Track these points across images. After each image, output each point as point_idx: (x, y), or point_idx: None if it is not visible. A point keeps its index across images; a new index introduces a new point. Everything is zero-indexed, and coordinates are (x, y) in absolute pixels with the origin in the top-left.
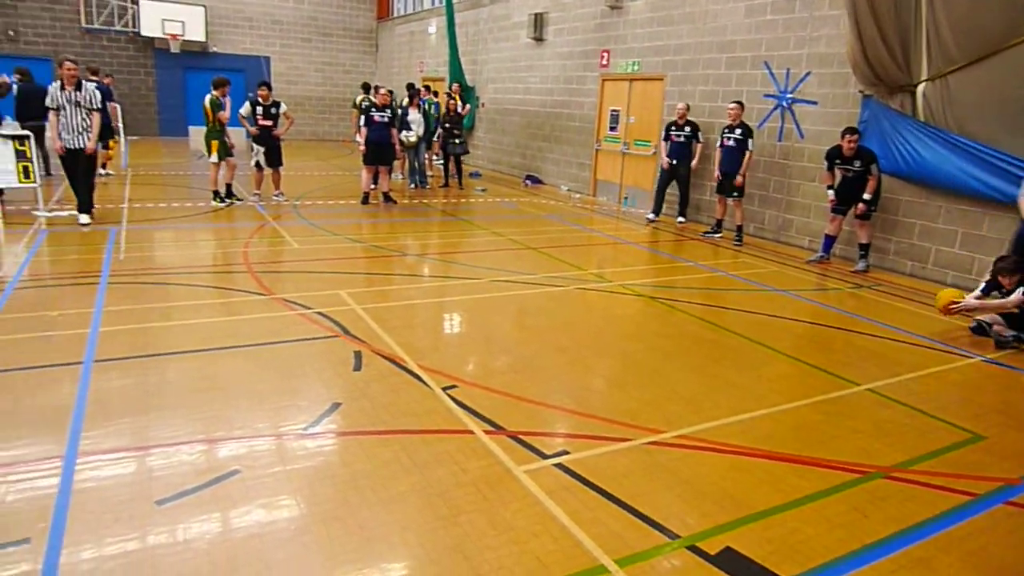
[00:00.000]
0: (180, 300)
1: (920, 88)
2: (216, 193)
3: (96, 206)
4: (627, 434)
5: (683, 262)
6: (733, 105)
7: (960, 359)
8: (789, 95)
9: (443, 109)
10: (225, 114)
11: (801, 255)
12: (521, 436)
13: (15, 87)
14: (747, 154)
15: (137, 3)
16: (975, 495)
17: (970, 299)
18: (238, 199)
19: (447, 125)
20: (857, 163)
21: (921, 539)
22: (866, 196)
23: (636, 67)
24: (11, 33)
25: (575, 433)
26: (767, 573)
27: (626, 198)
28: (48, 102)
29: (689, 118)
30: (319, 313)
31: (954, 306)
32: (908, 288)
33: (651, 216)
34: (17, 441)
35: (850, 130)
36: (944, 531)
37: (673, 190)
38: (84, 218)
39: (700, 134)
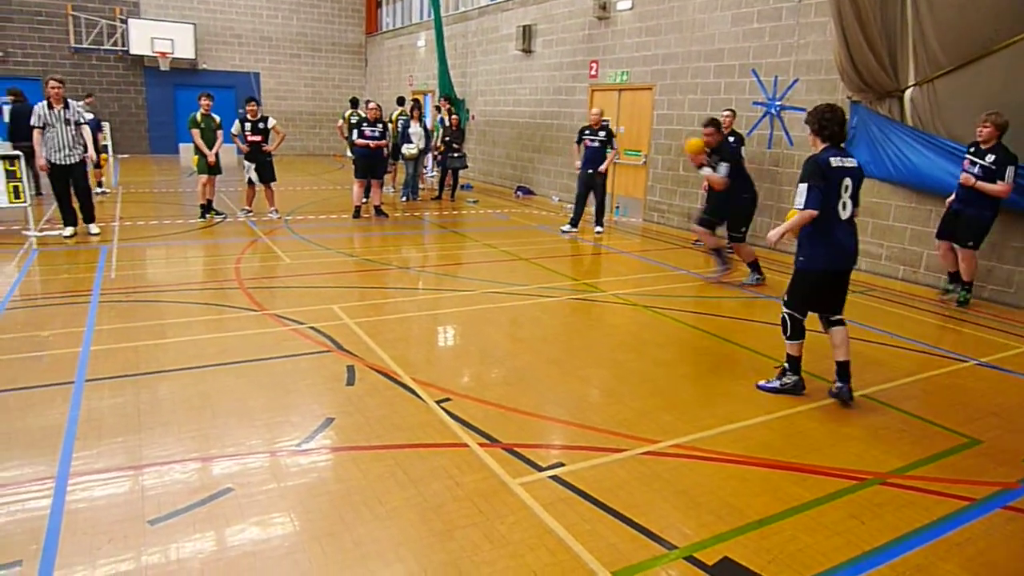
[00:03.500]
0: (172, 317)
1: (908, 93)
2: (204, 207)
3: (92, 224)
4: (622, 444)
5: (675, 270)
6: (726, 113)
7: (953, 363)
8: (778, 102)
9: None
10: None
11: (791, 260)
12: (516, 448)
13: (7, 108)
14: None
15: (126, 22)
16: (973, 500)
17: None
18: (217, 214)
19: (447, 139)
20: None
21: (919, 545)
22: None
23: (625, 77)
24: (1, 54)
25: (570, 444)
26: None
27: (617, 207)
28: (34, 121)
29: (604, 122)
30: (311, 328)
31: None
32: (901, 293)
33: (566, 228)
34: (8, 463)
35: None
36: (942, 537)
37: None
38: (94, 227)
39: (615, 140)
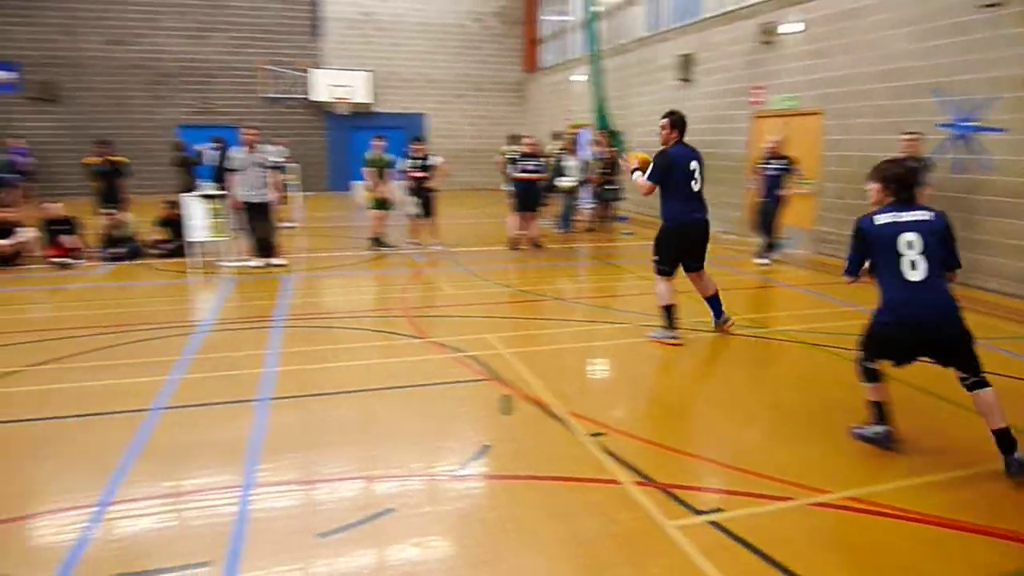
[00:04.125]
0: (344, 343)
1: None
2: (374, 240)
3: (276, 257)
4: (787, 492)
5: (847, 306)
6: (909, 136)
7: None
8: (968, 124)
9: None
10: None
11: (990, 299)
12: (671, 489)
13: (214, 153)
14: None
15: (308, 72)
16: None
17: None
18: (386, 246)
19: (604, 171)
20: None
21: None
22: None
23: (792, 103)
24: (207, 106)
25: (730, 489)
26: None
27: (785, 238)
28: (229, 164)
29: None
30: (470, 357)
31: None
32: None
33: (760, 261)
34: (203, 470)
35: None
36: None
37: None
38: (278, 260)
39: (793, 167)
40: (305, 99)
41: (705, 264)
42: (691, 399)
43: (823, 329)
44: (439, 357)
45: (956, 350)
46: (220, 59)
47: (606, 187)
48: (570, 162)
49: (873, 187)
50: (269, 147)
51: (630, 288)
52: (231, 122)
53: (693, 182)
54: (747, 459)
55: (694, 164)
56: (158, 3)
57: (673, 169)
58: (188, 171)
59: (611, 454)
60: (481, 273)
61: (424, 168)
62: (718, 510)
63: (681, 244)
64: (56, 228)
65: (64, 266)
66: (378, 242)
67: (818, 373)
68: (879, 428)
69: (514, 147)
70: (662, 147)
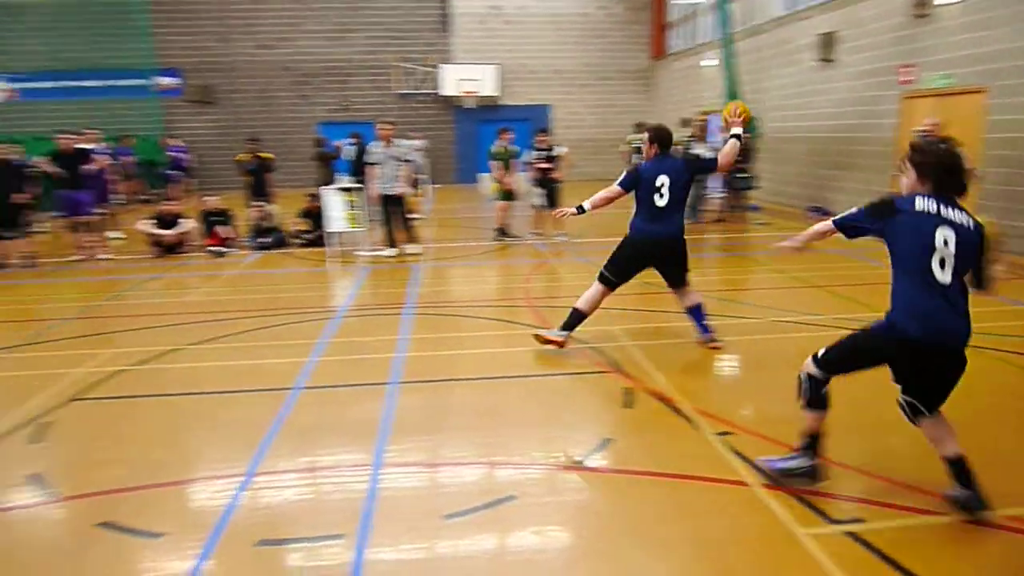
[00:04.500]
0: (469, 331)
1: None
2: (499, 231)
3: (412, 244)
4: (937, 506)
5: (1013, 304)
6: None
7: None
8: None
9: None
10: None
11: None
12: (804, 495)
13: (353, 148)
14: None
15: (439, 68)
16: None
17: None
18: (510, 237)
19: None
20: None
21: None
22: None
23: (949, 81)
24: (345, 104)
25: (871, 499)
26: None
27: None
28: (368, 158)
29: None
30: (592, 348)
31: None
32: None
33: None
34: (338, 447)
35: None
36: None
37: None
38: (412, 248)
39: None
40: (435, 94)
41: (688, 279)
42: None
43: (978, 329)
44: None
45: (951, 383)
46: (357, 59)
47: (737, 175)
48: (700, 150)
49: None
50: (405, 141)
51: (761, 282)
52: (367, 118)
53: (658, 196)
54: (889, 467)
55: (662, 179)
56: (302, 8)
57: (639, 183)
58: (327, 166)
59: (739, 454)
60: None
61: (549, 159)
62: (857, 520)
63: (635, 258)
64: (213, 219)
65: (219, 254)
66: (503, 232)
67: (976, 378)
68: (807, 461)
69: (639, 135)
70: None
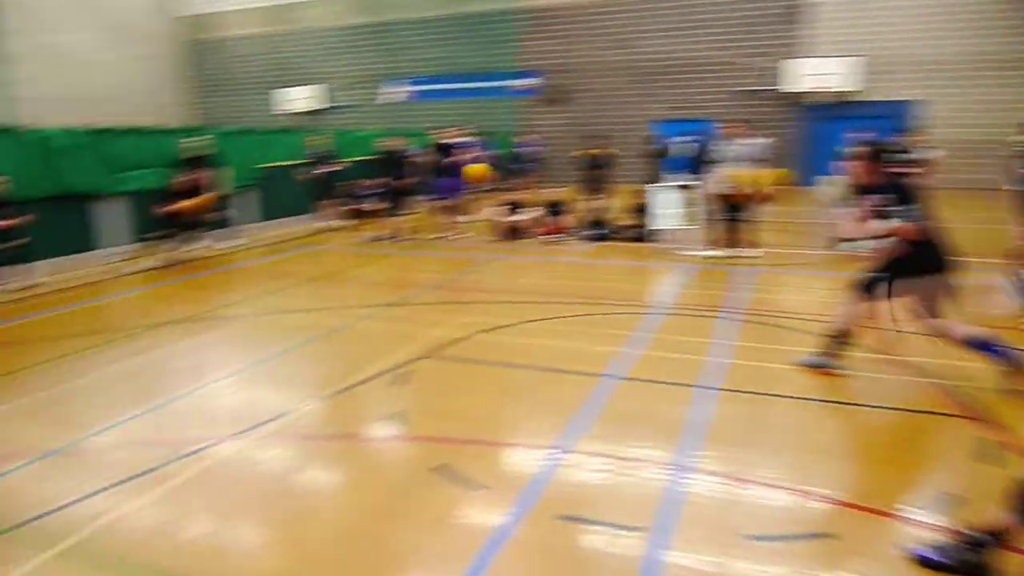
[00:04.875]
0: (796, 345)
1: None
2: (841, 240)
3: (750, 248)
4: None
5: None
6: None
7: None
8: None
9: None
10: None
11: None
12: None
13: (692, 146)
14: None
15: (783, 62)
16: None
17: None
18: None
19: None
20: None
21: None
22: None
23: None
24: (681, 100)
25: None
26: None
27: None
28: (710, 156)
29: None
30: (944, 384)
31: None
32: None
33: None
34: (645, 441)
35: None
36: None
37: None
38: (751, 251)
39: None
40: (777, 90)
41: None
42: None
43: None
44: (902, 378)
45: None
46: (697, 55)
47: None
48: None
49: None
50: (751, 139)
51: None
52: (703, 116)
53: None
54: None
55: None
56: (648, 7)
57: None
58: (658, 163)
59: None
60: (971, 288)
61: (911, 163)
62: None
63: None
64: (553, 209)
65: (554, 243)
66: (847, 241)
67: None
68: None
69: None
70: None
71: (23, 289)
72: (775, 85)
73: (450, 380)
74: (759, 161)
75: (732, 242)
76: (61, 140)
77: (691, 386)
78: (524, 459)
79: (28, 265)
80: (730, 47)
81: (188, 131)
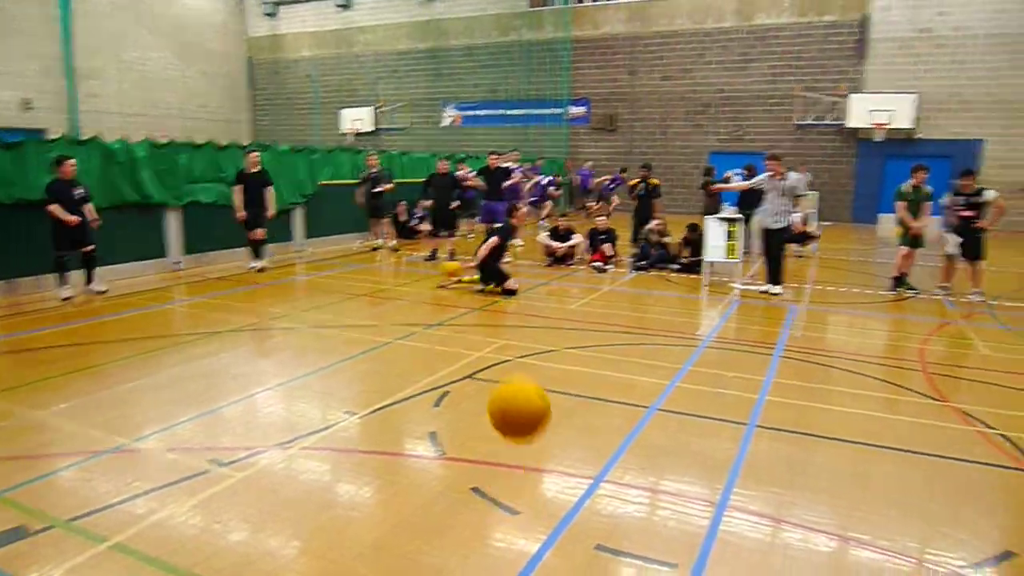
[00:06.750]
0: (842, 385)
1: None
2: (896, 279)
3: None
4: None
5: None
6: None
7: None
8: None
9: None
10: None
11: None
12: None
13: (744, 180)
14: None
15: (847, 97)
16: None
17: None
18: (909, 288)
19: None
20: None
21: None
22: None
23: None
24: (738, 132)
25: None
26: None
27: None
28: (754, 186)
29: None
30: (1002, 435)
31: None
32: None
33: None
34: (684, 476)
35: None
36: None
37: None
38: (776, 288)
39: None
40: (839, 125)
41: None
42: None
43: None
44: (958, 427)
45: None
46: (756, 88)
47: None
48: None
49: None
50: (793, 175)
51: None
52: (760, 149)
53: None
54: None
55: None
56: (708, 40)
57: None
58: (714, 195)
59: None
60: None
61: (973, 206)
62: None
63: None
64: (600, 237)
65: (601, 270)
66: (901, 282)
67: None
68: None
69: None
70: None
71: (93, 294)
72: (838, 120)
73: (486, 400)
74: (798, 196)
75: (773, 277)
76: (134, 152)
77: (734, 423)
78: (560, 486)
79: (97, 269)
80: (792, 80)
81: (250, 147)
